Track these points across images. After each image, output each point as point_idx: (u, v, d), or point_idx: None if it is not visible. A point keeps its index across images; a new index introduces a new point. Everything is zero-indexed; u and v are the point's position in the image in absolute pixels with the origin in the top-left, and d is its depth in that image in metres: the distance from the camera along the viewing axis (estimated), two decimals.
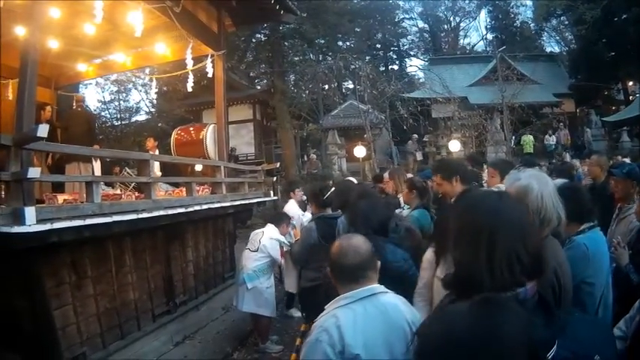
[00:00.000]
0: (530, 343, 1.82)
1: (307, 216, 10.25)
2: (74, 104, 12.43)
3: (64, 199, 7.27)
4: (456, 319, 1.96)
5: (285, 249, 9.22)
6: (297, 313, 10.41)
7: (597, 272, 4.01)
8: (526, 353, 1.79)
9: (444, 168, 6.05)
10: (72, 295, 6.94)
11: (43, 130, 5.54)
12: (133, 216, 7.39)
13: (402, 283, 3.47)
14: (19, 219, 5.35)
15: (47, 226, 5.62)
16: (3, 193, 6.74)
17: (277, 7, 13.21)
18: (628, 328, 2.99)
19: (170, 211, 8.52)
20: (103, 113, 38.23)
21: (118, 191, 9.29)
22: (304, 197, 10.97)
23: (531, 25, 54.73)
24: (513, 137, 30.51)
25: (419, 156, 31.99)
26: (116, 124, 37.71)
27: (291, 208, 10.94)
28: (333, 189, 6.85)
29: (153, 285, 9.03)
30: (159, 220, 8.33)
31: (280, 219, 9.53)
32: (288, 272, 9.53)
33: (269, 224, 9.35)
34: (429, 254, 4.22)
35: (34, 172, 5.57)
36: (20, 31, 9.61)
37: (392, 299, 3.33)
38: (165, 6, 9.87)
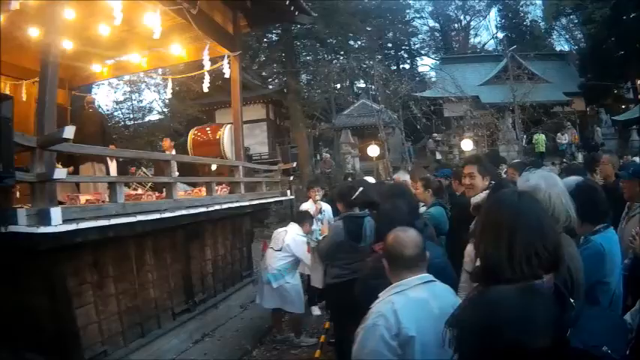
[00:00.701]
0: (556, 324, 2.09)
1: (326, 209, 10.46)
2: (85, 105, 12.44)
3: (87, 200, 7.34)
4: (499, 302, 2.17)
5: (312, 245, 9.24)
6: (316, 312, 10.45)
7: (612, 271, 4.07)
8: (552, 333, 2.07)
9: (482, 163, 6.08)
10: (94, 294, 7.02)
11: (69, 132, 5.60)
12: (157, 215, 7.51)
13: (441, 277, 3.56)
14: (45, 219, 5.42)
15: (73, 226, 5.70)
16: (18, 193, 6.85)
17: (292, 8, 13.23)
18: (634, 320, 3.05)
19: (191, 211, 8.63)
20: (115, 113, 38.13)
21: (140, 191, 9.30)
22: (317, 197, 10.91)
23: (541, 24, 54.62)
24: (524, 136, 30.43)
25: (438, 155, 32.04)
26: (129, 123, 37.62)
27: (310, 207, 10.79)
28: (361, 189, 6.88)
29: (173, 283, 9.11)
30: (180, 219, 8.42)
31: (303, 218, 9.54)
32: (315, 267, 9.52)
33: (292, 223, 9.40)
34: (469, 248, 4.32)
35: (60, 173, 5.65)
36: (33, 32, 9.73)
37: (442, 287, 3.53)
38: (182, 7, 9.91)
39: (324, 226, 8.77)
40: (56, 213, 5.47)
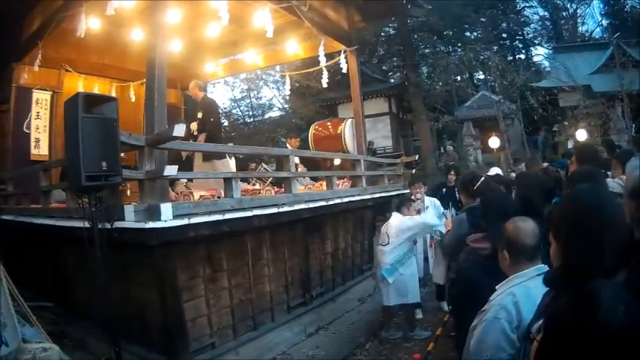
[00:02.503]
0: None
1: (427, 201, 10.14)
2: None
3: (201, 195, 7.50)
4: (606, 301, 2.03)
5: (435, 239, 9.12)
6: (446, 307, 10.20)
7: None
8: None
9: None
10: (205, 288, 7.18)
11: (179, 130, 5.74)
12: (274, 210, 7.63)
13: None
14: (155, 215, 5.62)
15: (184, 222, 5.90)
16: (129, 192, 7.06)
17: (404, 0, 13.15)
18: None
19: (311, 205, 8.73)
20: (234, 111, 39.08)
21: (257, 186, 9.42)
22: (419, 195, 10.65)
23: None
24: (633, 125, 29.26)
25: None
26: (248, 121, 38.32)
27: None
28: (482, 178, 6.73)
29: (290, 277, 9.19)
30: (300, 213, 8.54)
31: (401, 203, 9.31)
32: (438, 263, 9.32)
33: (394, 214, 9.16)
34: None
35: (170, 170, 5.78)
36: (137, 35, 10.03)
37: None
38: (293, 5, 9.99)
39: (448, 221, 8.60)
40: (166, 208, 5.66)
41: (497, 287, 3.47)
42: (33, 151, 11.28)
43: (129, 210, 5.67)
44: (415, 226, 8.71)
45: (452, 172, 11.75)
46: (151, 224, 5.51)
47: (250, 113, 39.14)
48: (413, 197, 10.06)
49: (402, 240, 8.65)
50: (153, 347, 7.15)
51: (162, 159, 6.54)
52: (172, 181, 8.06)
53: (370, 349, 8.81)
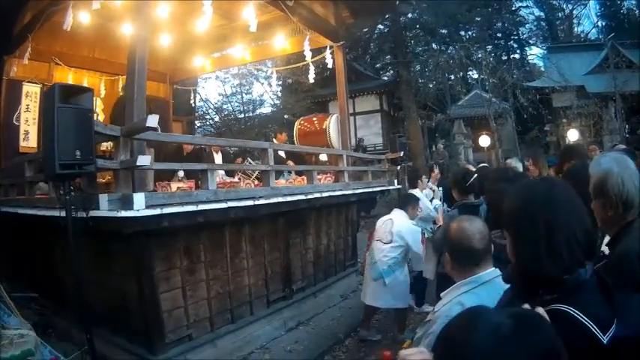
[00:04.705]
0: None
1: (435, 203, 10.07)
2: (191, 98, 12.68)
3: (178, 187, 7.51)
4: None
5: (426, 235, 8.79)
6: (428, 308, 10.12)
7: None
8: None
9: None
10: (182, 280, 7.21)
11: (152, 121, 5.76)
12: (250, 202, 7.58)
13: None
14: (128, 204, 5.63)
15: (157, 211, 5.87)
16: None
17: None
18: None
19: (289, 198, 8.66)
20: (225, 106, 39.02)
21: (236, 179, 9.41)
22: (431, 186, 10.69)
23: (637, 12, 52.54)
24: (626, 126, 29.40)
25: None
26: (239, 116, 38.26)
27: (418, 193, 10.16)
28: (475, 175, 6.72)
29: (270, 271, 9.19)
30: (279, 207, 8.51)
31: (407, 201, 9.07)
32: (428, 259, 9.25)
33: (396, 209, 9.02)
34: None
35: (143, 160, 5.80)
36: (127, 29, 10.09)
37: None
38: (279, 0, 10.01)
39: (440, 216, 8.54)
40: (139, 198, 5.66)
41: (441, 295, 3.35)
42: (22, 143, 11.27)
43: (103, 199, 5.68)
44: (413, 247, 8.47)
45: (435, 170, 11.77)
46: (124, 213, 5.52)
47: (241, 109, 39.09)
48: (419, 189, 10.23)
49: (404, 243, 8.47)
50: (133, 338, 7.23)
51: (142, 150, 6.61)
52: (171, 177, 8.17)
53: (350, 345, 8.87)
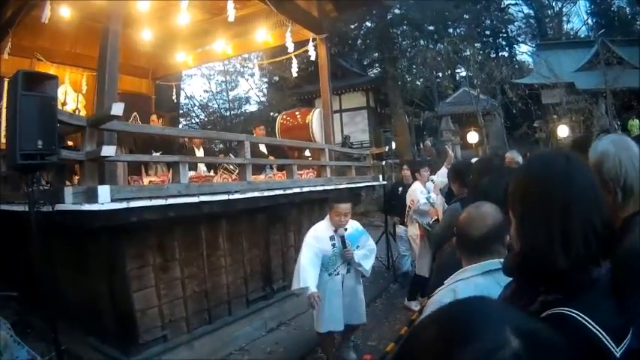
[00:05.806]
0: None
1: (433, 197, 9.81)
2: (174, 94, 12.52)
3: (150, 181, 7.29)
4: None
5: (424, 228, 8.69)
6: (417, 307, 9.85)
7: None
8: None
9: None
10: (156, 278, 6.98)
11: (117, 109, 5.54)
12: (224, 197, 7.32)
13: None
14: (92, 197, 5.39)
15: (123, 205, 5.62)
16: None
17: None
18: None
19: (266, 193, 8.41)
20: (210, 103, 39.07)
21: (211, 173, 9.19)
22: (432, 177, 10.40)
23: (627, 9, 53.04)
24: (618, 122, 29.52)
25: None
26: (225, 114, 38.22)
27: (417, 188, 9.84)
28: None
29: (249, 269, 8.97)
30: (257, 202, 8.26)
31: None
32: (422, 255, 8.95)
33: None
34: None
35: (107, 151, 5.56)
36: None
37: None
38: None
39: (435, 210, 8.25)
40: (104, 191, 5.43)
41: (444, 282, 3.09)
42: (2, 140, 11.10)
43: (68, 192, 5.42)
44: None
45: (405, 167, 11.54)
46: (87, 206, 5.27)
47: (227, 106, 39.03)
48: (420, 182, 9.97)
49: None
50: (106, 338, 7.03)
51: (111, 140, 6.36)
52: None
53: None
